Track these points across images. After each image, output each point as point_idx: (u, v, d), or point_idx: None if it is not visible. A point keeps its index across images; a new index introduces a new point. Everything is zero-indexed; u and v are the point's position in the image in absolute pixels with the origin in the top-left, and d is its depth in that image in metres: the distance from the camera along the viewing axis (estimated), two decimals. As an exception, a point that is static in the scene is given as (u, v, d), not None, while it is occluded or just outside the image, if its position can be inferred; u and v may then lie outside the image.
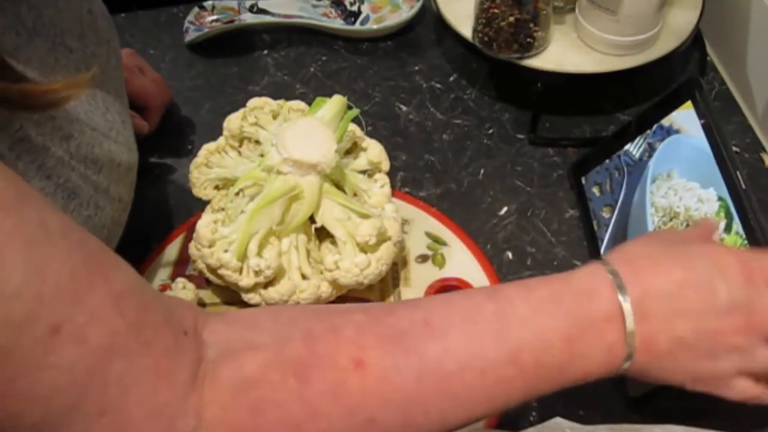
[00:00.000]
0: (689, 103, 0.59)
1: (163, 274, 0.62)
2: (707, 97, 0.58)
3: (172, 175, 0.71)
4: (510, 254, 0.64)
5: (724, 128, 0.56)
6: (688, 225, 0.56)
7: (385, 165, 0.62)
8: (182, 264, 0.62)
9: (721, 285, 0.41)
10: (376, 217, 0.55)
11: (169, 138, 0.74)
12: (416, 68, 0.80)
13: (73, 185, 0.46)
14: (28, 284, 0.32)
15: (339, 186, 0.58)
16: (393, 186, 0.62)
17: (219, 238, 0.54)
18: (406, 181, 0.70)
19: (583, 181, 0.66)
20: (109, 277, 0.35)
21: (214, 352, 0.39)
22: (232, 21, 0.82)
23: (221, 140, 0.61)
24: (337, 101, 0.58)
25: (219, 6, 0.84)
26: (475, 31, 0.69)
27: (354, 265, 0.54)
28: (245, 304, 0.56)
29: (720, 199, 0.53)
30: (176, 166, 0.72)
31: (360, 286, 0.55)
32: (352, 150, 0.62)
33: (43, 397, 0.33)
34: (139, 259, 0.62)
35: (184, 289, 0.57)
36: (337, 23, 0.83)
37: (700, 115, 0.58)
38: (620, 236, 0.61)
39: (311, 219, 0.56)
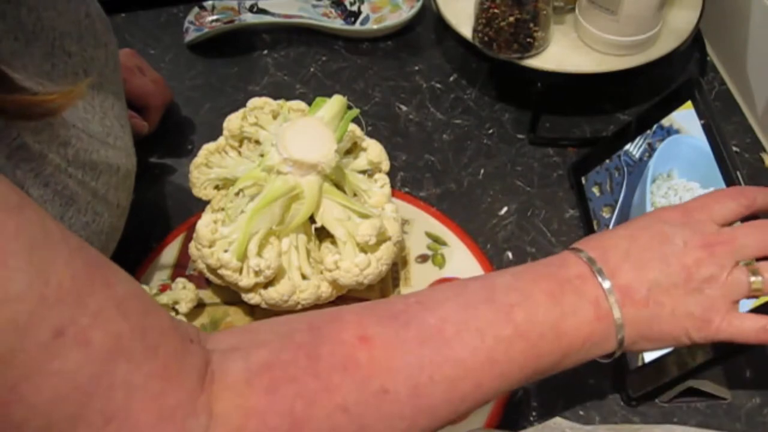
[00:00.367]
0: (689, 103, 0.59)
1: (163, 274, 0.62)
2: (707, 97, 0.58)
3: (172, 175, 0.71)
4: (510, 254, 0.64)
5: (724, 128, 0.56)
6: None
7: (385, 165, 0.62)
8: (182, 264, 0.62)
9: (668, 228, 0.45)
10: (376, 217, 0.55)
11: (169, 138, 0.74)
12: (416, 68, 0.80)
13: (70, 192, 0.46)
14: (31, 286, 0.31)
15: (339, 186, 0.58)
16: (393, 186, 0.62)
17: (219, 238, 0.54)
18: (406, 181, 0.70)
19: (583, 181, 0.66)
20: (111, 282, 0.36)
21: (219, 355, 0.39)
22: (232, 21, 0.82)
23: (221, 140, 0.61)
24: (337, 101, 0.58)
25: (219, 6, 0.84)
26: (475, 31, 0.69)
27: (354, 265, 0.54)
28: (245, 304, 0.56)
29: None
30: (176, 166, 0.72)
31: (360, 286, 0.55)
32: (352, 150, 0.62)
33: (46, 404, 0.32)
34: (139, 259, 0.62)
35: (184, 289, 0.57)
36: (337, 23, 0.83)
37: (700, 115, 0.58)
38: (620, 236, 0.61)
39: (311, 219, 0.56)
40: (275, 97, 0.62)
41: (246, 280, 0.53)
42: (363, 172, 0.61)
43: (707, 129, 0.57)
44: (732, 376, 0.55)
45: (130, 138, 0.55)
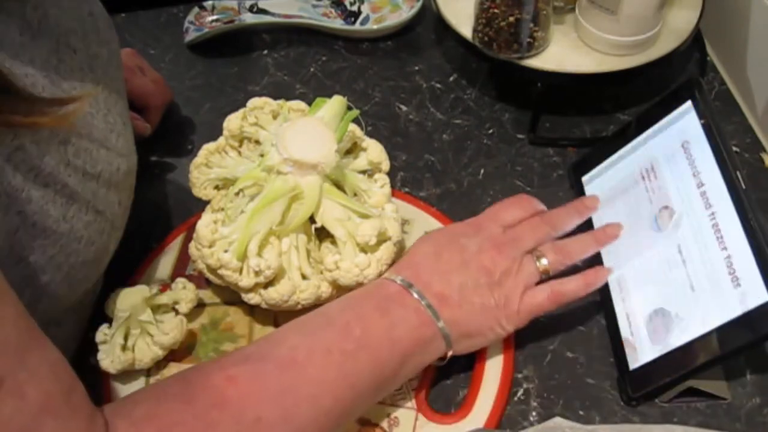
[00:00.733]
0: (689, 103, 0.59)
1: (163, 274, 0.62)
2: (707, 97, 0.58)
3: (172, 175, 0.71)
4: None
5: (724, 128, 0.56)
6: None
7: (385, 165, 0.62)
8: (182, 264, 0.62)
9: (463, 240, 0.54)
10: (376, 217, 0.55)
11: (169, 138, 0.74)
12: (416, 68, 0.80)
13: (71, 191, 0.46)
14: None
15: (339, 186, 0.58)
16: (393, 186, 0.62)
17: (219, 238, 0.54)
18: (406, 181, 0.70)
19: (583, 181, 0.66)
20: (45, 348, 0.39)
21: (107, 417, 0.42)
22: (232, 21, 0.82)
23: (221, 140, 0.61)
24: (337, 101, 0.58)
25: (219, 6, 0.84)
26: (475, 31, 0.69)
27: (354, 265, 0.54)
28: (245, 304, 0.56)
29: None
30: (176, 166, 0.72)
31: (360, 286, 0.55)
32: (352, 150, 0.62)
33: None
34: (139, 259, 0.62)
35: (184, 289, 0.57)
36: (337, 23, 0.83)
37: (700, 115, 0.58)
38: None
39: (311, 219, 0.56)
40: (275, 97, 0.62)
41: (246, 280, 0.53)
42: (363, 172, 0.61)
43: (707, 129, 0.57)
44: (732, 376, 0.55)
45: (131, 136, 0.55)
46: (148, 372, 0.56)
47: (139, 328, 0.55)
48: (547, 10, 0.66)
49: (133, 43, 0.83)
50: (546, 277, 0.54)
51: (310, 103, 0.61)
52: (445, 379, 0.56)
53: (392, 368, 0.49)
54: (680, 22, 0.70)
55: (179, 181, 0.70)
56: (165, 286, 0.60)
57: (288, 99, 0.63)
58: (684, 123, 0.59)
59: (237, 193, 0.57)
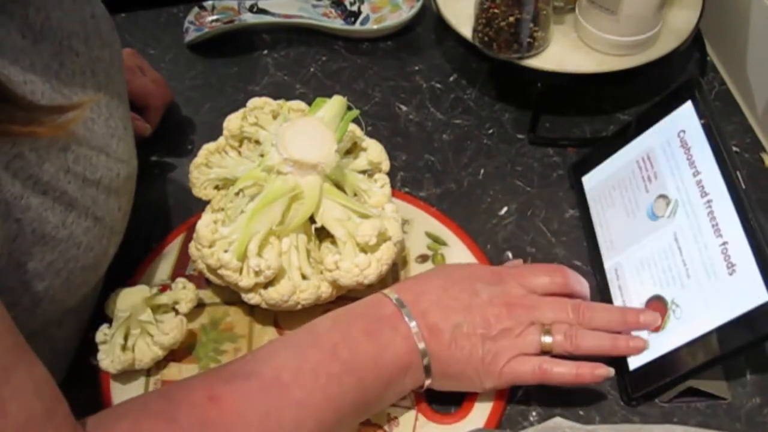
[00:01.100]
0: (689, 103, 0.59)
1: (163, 274, 0.62)
2: (707, 97, 0.58)
3: (172, 175, 0.71)
4: (510, 254, 0.64)
5: (724, 128, 0.56)
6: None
7: (385, 165, 0.62)
8: (182, 264, 0.62)
9: (479, 284, 0.53)
10: (377, 217, 0.55)
11: (169, 138, 0.74)
12: (416, 68, 0.80)
13: (70, 198, 0.46)
14: None
15: (339, 186, 0.58)
16: (393, 186, 0.62)
17: (219, 238, 0.54)
18: (406, 181, 0.70)
19: (583, 181, 0.66)
20: (31, 365, 0.39)
21: None
22: (232, 21, 0.82)
23: (221, 140, 0.61)
24: (337, 101, 0.58)
25: (219, 6, 0.84)
26: (475, 31, 0.69)
27: (354, 266, 0.54)
28: (245, 304, 0.56)
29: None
30: (176, 166, 0.72)
31: (360, 286, 0.55)
32: (352, 150, 0.62)
33: None
34: (139, 259, 0.62)
35: (184, 289, 0.57)
36: (337, 23, 0.83)
37: (700, 115, 0.58)
38: (620, 236, 0.61)
39: (311, 219, 0.56)
40: (275, 97, 0.62)
41: (246, 280, 0.53)
42: (363, 172, 0.61)
43: (707, 129, 0.57)
44: (732, 376, 0.55)
45: (132, 140, 0.55)
46: (148, 372, 0.56)
47: (139, 328, 0.55)
48: (547, 10, 0.66)
49: (133, 43, 0.83)
50: (545, 353, 0.52)
51: (310, 103, 0.61)
52: (445, 379, 0.56)
53: (375, 393, 0.49)
54: (680, 22, 0.70)
55: (179, 181, 0.70)
56: (165, 286, 0.60)
57: (288, 99, 0.63)
58: (684, 123, 0.59)
59: (237, 193, 0.57)
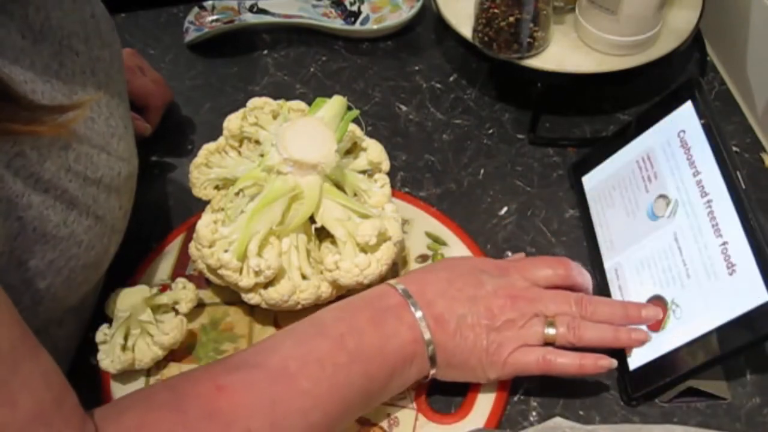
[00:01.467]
0: (689, 103, 0.59)
1: (163, 274, 0.62)
2: (707, 97, 0.58)
3: (172, 175, 0.71)
4: (510, 254, 0.64)
5: (724, 128, 0.56)
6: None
7: (385, 165, 0.62)
8: (182, 264, 0.62)
9: (483, 276, 0.53)
10: (376, 217, 0.55)
11: (169, 138, 0.74)
12: (416, 68, 0.80)
13: (71, 197, 0.46)
14: None
15: (339, 186, 0.58)
16: (393, 186, 0.62)
17: (219, 238, 0.54)
18: (406, 181, 0.70)
19: (583, 181, 0.66)
20: (38, 356, 0.39)
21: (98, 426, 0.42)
22: (232, 21, 0.82)
23: (221, 140, 0.61)
24: (337, 101, 0.58)
25: (219, 6, 0.84)
26: (475, 31, 0.69)
27: (354, 266, 0.54)
28: (245, 304, 0.56)
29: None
30: (176, 166, 0.72)
31: (360, 286, 0.55)
32: (352, 150, 0.62)
33: None
34: (139, 259, 0.62)
35: (184, 289, 0.57)
36: (337, 23, 0.83)
37: (700, 115, 0.58)
38: (620, 236, 0.61)
39: (311, 219, 0.56)
40: (275, 97, 0.62)
41: (246, 280, 0.53)
42: (363, 172, 0.61)
43: (707, 129, 0.57)
44: (732, 376, 0.55)
45: (132, 139, 0.55)
46: (148, 372, 0.56)
47: (139, 328, 0.55)
48: (547, 10, 0.66)
49: (133, 43, 0.83)
50: (548, 344, 0.53)
51: (310, 103, 0.61)
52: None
53: (381, 382, 0.49)
54: (680, 22, 0.70)
55: (179, 181, 0.70)
56: (165, 286, 0.60)
57: (288, 99, 0.63)
58: (684, 123, 0.59)
59: (237, 193, 0.57)
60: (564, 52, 0.69)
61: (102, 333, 0.55)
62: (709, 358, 0.51)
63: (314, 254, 0.57)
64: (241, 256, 0.53)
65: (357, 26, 0.82)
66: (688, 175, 0.57)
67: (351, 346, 0.48)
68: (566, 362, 0.52)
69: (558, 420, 0.53)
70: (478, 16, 0.68)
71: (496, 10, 0.66)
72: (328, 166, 0.55)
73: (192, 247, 0.56)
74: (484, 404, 0.54)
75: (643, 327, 0.55)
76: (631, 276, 0.58)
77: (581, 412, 0.54)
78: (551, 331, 0.52)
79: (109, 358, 0.54)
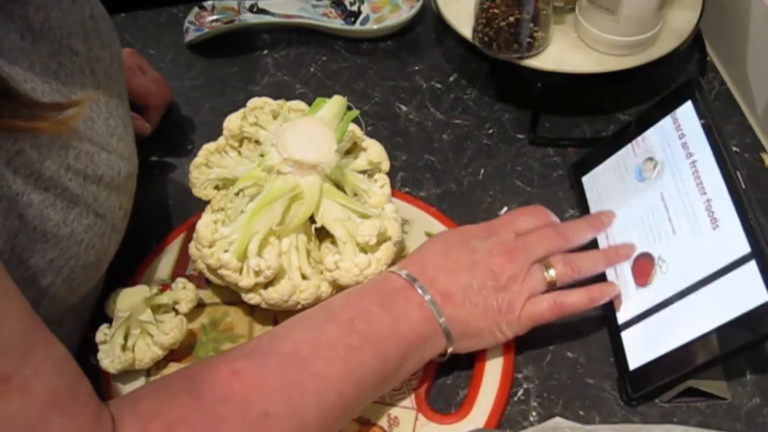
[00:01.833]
0: (689, 103, 0.59)
1: (163, 274, 0.62)
2: (707, 97, 0.58)
3: (172, 175, 0.71)
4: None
5: (724, 128, 0.56)
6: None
7: (385, 165, 0.62)
8: (182, 264, 0.62)
9: (474, 241, 0.54)
10: (376, 217, 0.55)
11: (169, 138, 0.74)
12: (416, 68, 0.80)
13: (71, 195, 0.46)
14: None
15: (339, 186, 0.58)
16: (393, 186, 0.62)
17: (219, 238, 0.54)
18: (406, 181, 0.70)
19: (583, 181, 0.66)
20: (50, 343, 0.39)
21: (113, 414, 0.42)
22: (232, 21, 0.82)
23: (221, 140, 0.61)
24: (337, 101, 0.58)
25: (219, 6, 0.84)
26: (475, 31, 0.69)
27: (354, 265, 0.54)
28: (245, 304, 0.56)
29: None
30: (176, 166, 0.72)
31: (360, 286, 0.55)
32: (352, 150, 0.62)
33: None
34: (139, 259, 0.62)
35: (184, 289, 0.57)
36: (337, 23, 0.83)
37: (700, 115, 0.58)
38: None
39: (311, 219, 0.56)
40: (275, 97, 0.62)
41: (246, 280, 0.53)
42: (363, 172, 0.61)
43: (707, 129, 0.57)
44: (732, 376, 0.55)
45: (132, 139, 0.55)
46: (148, 372, 0.56)
47: (139, 328, 0.55)
48: (547, 10, 0.66)
49: (133, 43, 0.83)
50: (552, 288, 0.54)
51: (310, 103, 0.61)
52: (445, 378, 0.56)
53: (395, 363, 0.49)
54: (680, 22, 0.70)
55: (179, 181, 0.70)
56: (165, 286, 0.60)
57: (288, 99, 0.63)
58: (684, 123, 0.59)
59: (237, 193, 0.57)
60: (564, 52, 0.69)
61: (102, 333, 0.55)
62: (709, 358, 0.51)
63: (314, 254, 0.57)
64: (241, 256, 0.53)
65: (357, 26, 0.82)
66: (687, 174, 0.57)
67: (361, 328, 0.49)
68: (576, 299, 0.54)
69: (558, 420, 0.53)
70: (478, 16, 0.68)
71: (496, 10, 0.66)
72: (328, 166, 0.55)
73: (192, 247, 0.56)
74: (484, 404, 0.54)
75: (631, 282, 0.57)
76: (617, 228, 0.58)
77: (581, 412, 0.54)
78: (551, 272, 0.54)
79: (109, 358, 0.54)
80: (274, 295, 0.54)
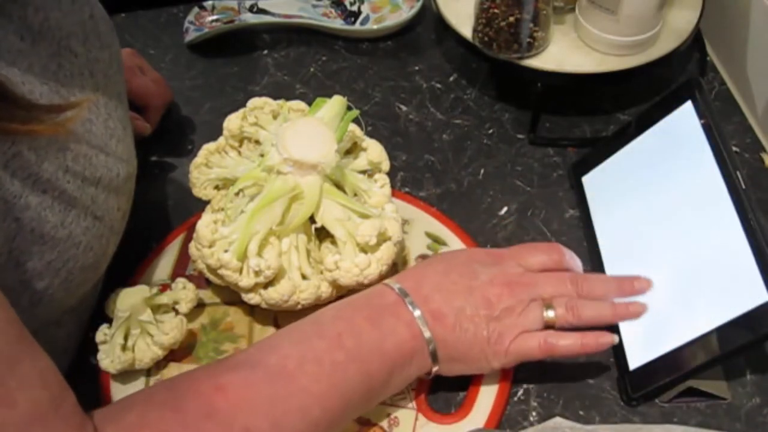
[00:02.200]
0: (689, 103, 0.59)
1: (163, 274, 0.62)
2: (707, 97, 0.58)
3: (172, 175, 0.71)
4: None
5: (724, 128, 0.56)
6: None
7: (385, 165, 0.62)
8: (182, 264, 0.62)
9: (477, 267, 0.53)
10: (376, 217, 0.55)
11: (169, 138, 0.74)
12: (416, 68, 0.80)
13: (69, 197, 0.46)
14: None
15: (339, 186, 0.58)
16: (393, 186, 0.62)
17: (219, 238, 0.54)
18: (406, 181, 0.70)
19: (583, 181, 0.66)
20: (35, 356, 0.39)
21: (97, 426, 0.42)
22: (232, 21, 0.82)
23: (221, 140, 0.61)
24: (337, 101, 0.58)
25: (219, 6, 0.84)
26: (475, 31, 0.69)
27: (354, 266, 0.54)
28: (245, 304, 0.56)
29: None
30: (176, 166, 0.72)
31: (360, 286, 0.55)
32: (352, 150, 0.62)
33: None
34: (139, 259, 0.62)
35: (184, 289, 0.57)
36: (337, 23, 0.83)
37: (700, 115, 0.58)
38: (620, 236, 0.61)
39: (311, 219, 0.56)
40: (275, 97, 0.62)
41: (246, 280, 0.53)
42: (363, 172, 0.61)
43: (707, 129, 0.57)
44: (732, 376, 0.55)
45: (131, 141, 0.55)
46: (148, 372, 0.56)
47: (139, 328, 0.55)
48: (547, 10, 0.66)
49: (133, 43, 0.83)
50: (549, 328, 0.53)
51: (310, 103, 0.61)
52: (445, 379, 0.56)
53: (381, 380, 0.49)
54: (680, 22, 0.70)
55: (179, 181, 0.70)
56: (165, 286, 0.60)
57: (288, 99, 0.63)
58: (684, 123, 0.59)
59: (237, 193, 0.57)
60: (564, 52, 0.69)
61: (102, 333, 0.55)
62: (709, 358, 0.51)
63: (314, 254, 0.57)
64: (241, 256, 0.53)
65: (357, 26, 0.82)
66: (687, 174, 0.57)
67: (349, 344, 0.48)
68: (568, 343, 0.52)
69: (558, 420, 0.53)
70: (478, 16, 0.68)
71: (496, 10, 0.66)
72: (328, 166, 0.55)
73: (192, 247, 0.56)
74: (484, 404, 0.54)
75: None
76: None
77: (581, 412, 0.54)
78: (550, 313, 0.52)
79: (109, 358, 0.54)
80: (274, 295, 0.54)
